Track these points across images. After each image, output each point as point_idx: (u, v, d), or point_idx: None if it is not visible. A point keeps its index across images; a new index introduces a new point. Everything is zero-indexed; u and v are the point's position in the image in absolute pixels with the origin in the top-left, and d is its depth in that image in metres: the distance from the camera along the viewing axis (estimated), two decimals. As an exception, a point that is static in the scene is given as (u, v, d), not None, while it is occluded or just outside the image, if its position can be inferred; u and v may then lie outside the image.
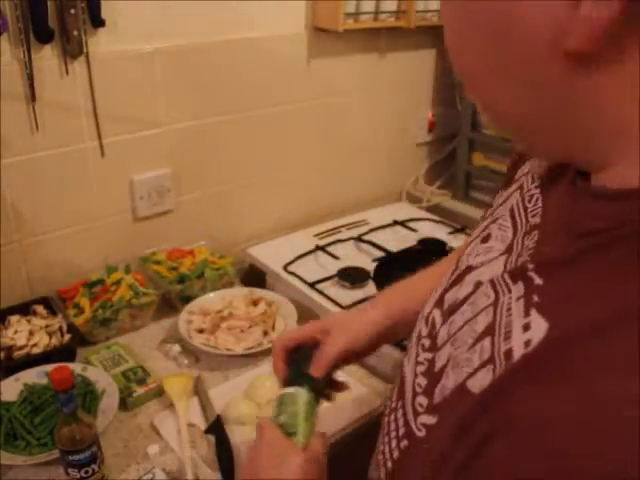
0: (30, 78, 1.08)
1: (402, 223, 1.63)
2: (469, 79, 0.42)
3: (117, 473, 0.90)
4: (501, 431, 0.35)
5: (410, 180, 1.87)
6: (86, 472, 0.83)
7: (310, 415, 0.69)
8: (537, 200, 0.49)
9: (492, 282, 0.45)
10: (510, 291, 0.42)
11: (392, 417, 0.52)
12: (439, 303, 0.53)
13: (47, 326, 1.14)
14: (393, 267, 1.28)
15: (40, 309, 1.18)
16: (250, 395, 1.05)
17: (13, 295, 1.19)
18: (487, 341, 0.41)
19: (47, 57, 1.10)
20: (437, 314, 0.52)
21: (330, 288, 1.33)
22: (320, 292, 1.30)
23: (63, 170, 1.20)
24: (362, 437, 1.01)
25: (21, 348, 1.09)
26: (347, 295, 1.30)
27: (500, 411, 0.36)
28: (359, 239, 1.53)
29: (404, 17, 1.50)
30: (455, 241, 1.53)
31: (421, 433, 0.45)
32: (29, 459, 0.90)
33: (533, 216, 0.48)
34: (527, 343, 0.36)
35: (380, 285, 1.24)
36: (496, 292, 0.43)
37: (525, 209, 0.50)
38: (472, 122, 1.71)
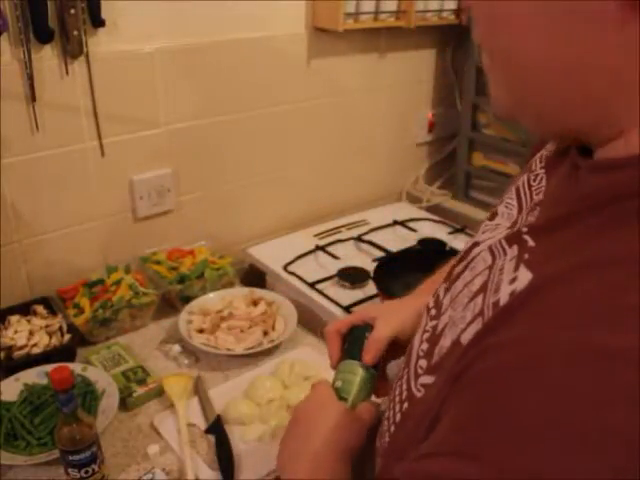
0: (30, 78, 1.08)
1: (402, 223, 1.63)
2: (497, 25, 0.40)
3: (117, 473, 0.90)
4: (478, 358, 0.38)
5: (410, 180, 1.87)
6: (86, 472, 0.82)
7: (364, 387, 0.70)
8: (541, 179, 0.52)
9: (490, 248, 0.48)
10: (506, 254, 0.44)
11: (398, 384, 0.54)
12: (447, 277, 0.56)
13: (47, 326, 1.14)
14: (393, 267, 1.28)
15: (40, 309, 1.18)
16: (250, 395, 1.05)
17: (13, 295, 1.19)
18: (480, 298, 0.43)
19: (47, 57, 1.10)
20: (444, 285, 0.55)
21: (330, 288, 1.33)
22: (320, 292, 1.30)
23: (63, 170, 1.20)
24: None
25: (21, 348, 1.09)
26: (347, 295, 1.30)
27: (479, 346, 0.38)
28: (359, 239, 1.53)
29: (404, 17, 1.50)
30: (455, 241, 1.53)
31: (420, 394, 0.47)
32: (29, 459, 0.90)
33: (537, 194, 0.51)
34: (512, 293, 0.39)
35: (380, 285, 1.24)
36: (493, 256, 0.46)
37: (530, 187, 0.53)
38: (472, 122, 1.71)
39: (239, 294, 1.30)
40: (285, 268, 1.39)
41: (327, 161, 1.64)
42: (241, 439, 0.97)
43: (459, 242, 1.52)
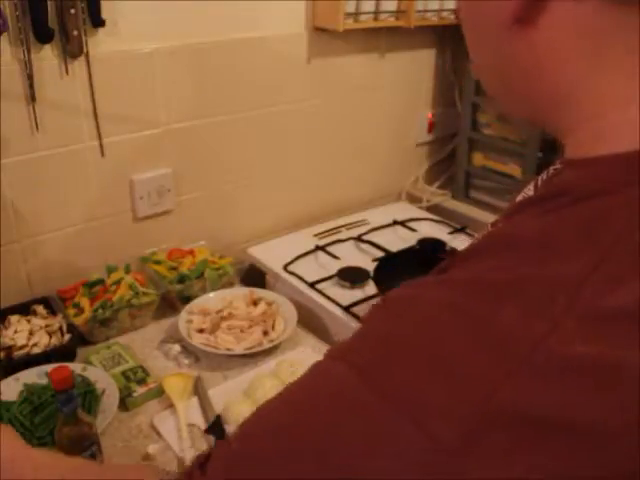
0: (30, 78, 1.08)
1: (402, 223, 1.63)
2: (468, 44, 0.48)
3: (117, 473, 0.91)
4: None
5: (410, 180, 1.87)
6: (86, 472, 0.82)
7: None
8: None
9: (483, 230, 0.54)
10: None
11: None
12: None
13: (47, 326, 1.14)
14: (393, 267, 1.28)
15: (40, 309, 1.18)
16: (250, 395, 1.05)
17: (13, 295, 1.19)
18: None
19: (47, 57, 1.10)
20: None
21: (330, 288, 1.33)
22: (320, 292, 1.30)
23: (63, 170, 1.20)
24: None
25: (21, 348, 1.09)
26: (347, 295, 1.30)
27: None
28: (359, 239, 1.53)
29: (404, 17, 1.50)
30: (455, 241, 1.53)
31: None
32: (29, 459, 0.90)
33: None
34: None
35: (380, 285, 1.24)
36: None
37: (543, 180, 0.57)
38: (472, 122, 1.71)
39: (239, 294, 1.30)
40: (285, 268, 1.39)
41: (327, 161, 1.64)
42: (241, 439, 0.97)
43: (459, 242, 1.52)
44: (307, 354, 1.17)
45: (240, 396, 1.05)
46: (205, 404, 1.04)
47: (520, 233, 0.38)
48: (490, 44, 0.43)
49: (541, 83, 0.41)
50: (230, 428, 0.97)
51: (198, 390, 1.07)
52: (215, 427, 0.97)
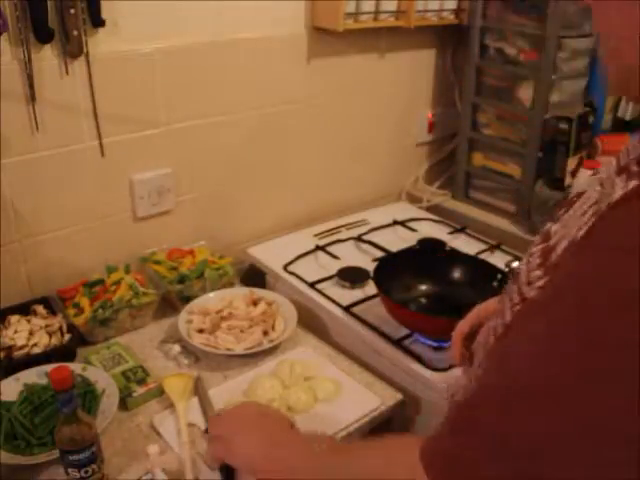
0: (30, 78, 1.08)
1: (402, 223, 1.63)
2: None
3: (117, 473, 0.90)
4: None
5: (410, 180, 1.87)
6: (86, 472, 0.82)
7: None
8: None
9: (600, 180, 0.54)
10: (615, 181, 0.50)
11: (497, 315, 0.59)
12: (544, 234, 0.59)
13: (47, 326, 1.14)
14: (393, 267, 1.28)
15: (40, 309, 1.18)
16: (250, 395, 1.05)
17: (13, 295, 1.19)
18: (594, 208, 0.50)
19: (47, 57, 1.10)
20: (551, 223, 0.60)
21: (330, 288, 1.33)
22: (320, 292, 1.30)
23: (63, 170, 1.20)
24: (362, 437, 1.02)
25: (21, 348, 1.09)
26: (347, 295, 1.30)
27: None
28: (359, 239, 1.53)
29: (404, 17, 1.50)
30: (455, 241, 1.53)
31: (532, 293, 0.53)
32: (29, 459, 0.90)
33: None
34: (625, 187, 0.46)
35: (380, 285, 1.24)
36: (603, 186, 0.52)
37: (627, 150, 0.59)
38: (472, 122, 1.71)
39: (239, 294, 1.30)
40: (285, 268, 1.39)
41: (327, 161, 1.64)
42: (241, 439, 0.97)
43: (459, 242, 1.53)
44: (307, 354, 1.17)
45: (240, 396, 1.05)
46: (205, 404, 1.03)
47: None
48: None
49: None
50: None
51: (198, 390, 1.07)
52: (215, 427, 0.97)
